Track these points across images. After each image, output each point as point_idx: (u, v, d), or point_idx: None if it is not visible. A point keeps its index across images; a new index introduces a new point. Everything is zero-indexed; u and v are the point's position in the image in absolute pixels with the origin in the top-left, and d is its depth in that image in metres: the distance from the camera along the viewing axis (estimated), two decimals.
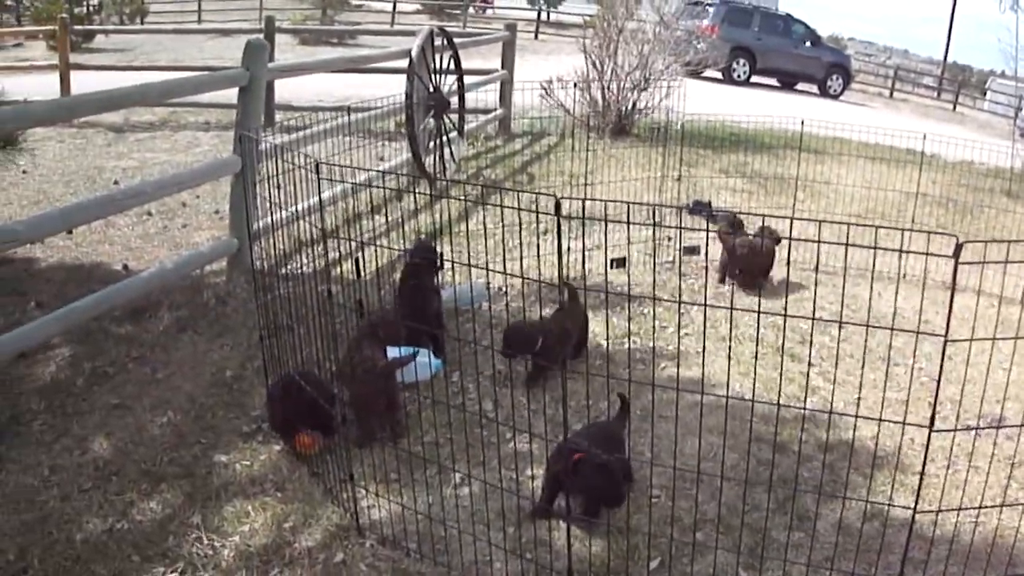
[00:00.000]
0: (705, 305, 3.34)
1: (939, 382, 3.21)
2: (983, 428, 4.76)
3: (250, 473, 4.02)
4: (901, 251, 2.91)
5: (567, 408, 3.38)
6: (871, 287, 5.08)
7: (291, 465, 4.08)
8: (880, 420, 3.44)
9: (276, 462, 4.11)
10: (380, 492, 3.81)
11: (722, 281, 6.95)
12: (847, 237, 2.86)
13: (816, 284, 6.01)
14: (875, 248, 3.12)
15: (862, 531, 3.73)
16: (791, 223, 2.85)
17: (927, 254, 2.92)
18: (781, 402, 3.88)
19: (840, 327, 5.34)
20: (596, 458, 3.58)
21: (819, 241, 2.95)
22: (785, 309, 3.15)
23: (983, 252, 3.05)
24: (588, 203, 3.02)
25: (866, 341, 5.11)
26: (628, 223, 3.42)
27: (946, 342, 2.75)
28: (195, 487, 3.89)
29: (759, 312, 4.03)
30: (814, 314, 3.39)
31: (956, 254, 2.65)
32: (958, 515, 3.90)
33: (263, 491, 3.88)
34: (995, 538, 3.82)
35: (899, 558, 3.53)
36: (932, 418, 2.96)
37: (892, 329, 3.23)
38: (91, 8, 29.11)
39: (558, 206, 2.80)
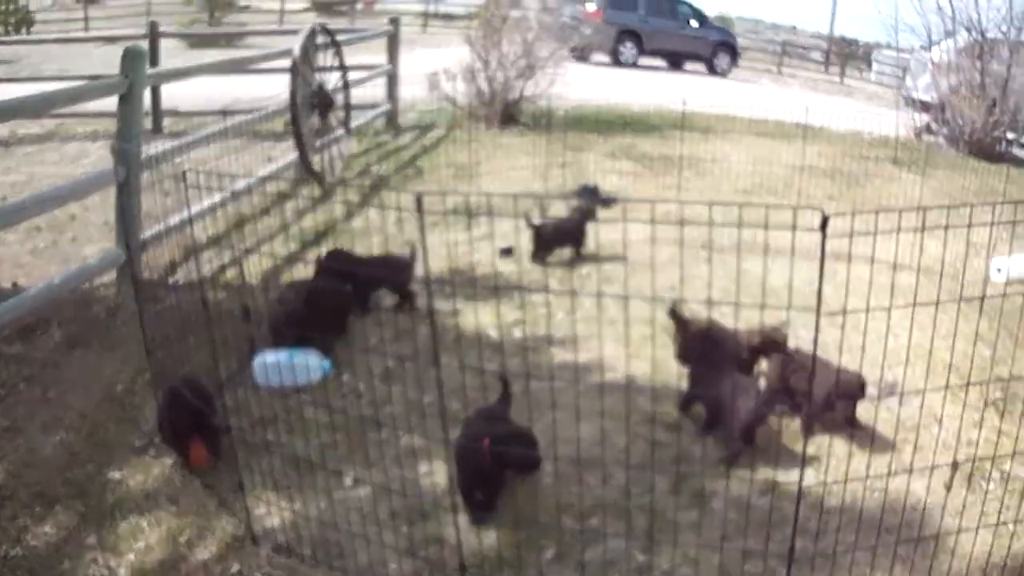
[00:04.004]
0: (599, 296, 3.44)
1: (814, 354, 3.37)
2: (876, 397, 4.78)
3: (144, 488, 4.04)
4: (767, 228, 3.01)
5: (443, 400, 3.44)
6: (764, 264, 5.13)
7: (184, 478, 4.12)
8: None
9: (169, 475, 4.14)
10: (272, 499, 3.87)
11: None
12: (740, 215, 2.94)
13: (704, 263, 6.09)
14: (740, 226, 3.20)
15: (750, 506, 3.88)
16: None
17: (793, 229, 3.00)
18: (670, 382, 3.97)
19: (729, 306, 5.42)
20: (502, 430, 3.69)
21: (682, 223, 3.05)
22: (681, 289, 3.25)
23: (874, 221, 3.14)
24: (477, 196, 3.06)
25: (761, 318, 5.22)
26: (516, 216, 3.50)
27: (818, 316, 2.92)
28: (89, 507, 3.90)
29: (655, 298, 4.01)
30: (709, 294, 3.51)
31: (823, 227, 2.81)
32: (845, 485, 3.91)
33: (157, 506, 3.91)
34: (886, 505, 3.90)
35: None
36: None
37: (761, 306, 3.31)
38: None
39: (419, 202, 2.88)
